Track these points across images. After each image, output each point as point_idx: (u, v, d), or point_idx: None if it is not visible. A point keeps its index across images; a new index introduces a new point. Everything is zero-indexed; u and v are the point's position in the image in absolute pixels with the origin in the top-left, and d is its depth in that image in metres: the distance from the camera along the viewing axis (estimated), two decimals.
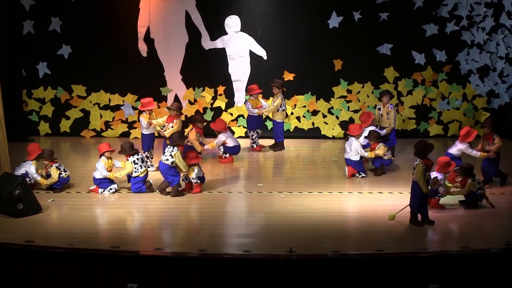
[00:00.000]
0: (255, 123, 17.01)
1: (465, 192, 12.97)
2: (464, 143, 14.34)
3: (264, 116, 17.35)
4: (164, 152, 13.78)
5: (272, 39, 18.21)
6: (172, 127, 15.13)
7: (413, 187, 12.20)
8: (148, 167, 14.31)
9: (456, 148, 14.36)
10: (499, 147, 14.21)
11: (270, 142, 17.29)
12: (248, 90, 17.26)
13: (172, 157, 13.49)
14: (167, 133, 15.00)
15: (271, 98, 17.14)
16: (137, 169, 13.80)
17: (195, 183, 13.87)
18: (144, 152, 15.09)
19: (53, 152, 14.07)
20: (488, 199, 13.07)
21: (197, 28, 18.08)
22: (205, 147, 15.82)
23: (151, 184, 13.97)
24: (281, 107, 16.96)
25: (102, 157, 13.85)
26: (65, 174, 13.99)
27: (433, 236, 11.92)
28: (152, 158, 15.34)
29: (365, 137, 15.29)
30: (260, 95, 17.12)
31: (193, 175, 13.74)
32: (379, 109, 16.20)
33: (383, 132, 15.68)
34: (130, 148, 13.91)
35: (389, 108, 16.10)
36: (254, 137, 17.02)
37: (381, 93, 16.76)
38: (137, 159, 13.86)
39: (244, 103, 17.26)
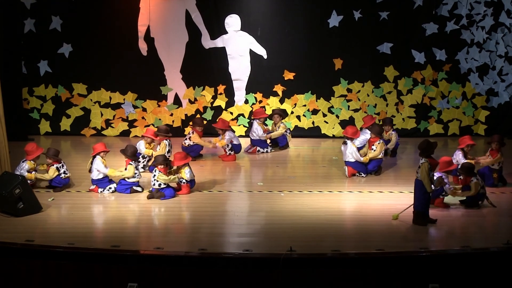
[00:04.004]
0: (265, 144, 17.01)
1: (474, 192, 12.89)
2: (459, 150, 14.31)
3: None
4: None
5: (272, 38, 18.21)
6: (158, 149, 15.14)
7: (417, 186, 12.20)
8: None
9: (456, 160, 14.19)
10: (494, 161, 14.13)
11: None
12: (254, 114, 17.21)
13: (157, 181, 13.50)
14: (155, 154, 14.90)
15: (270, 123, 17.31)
16: (136, 175, 13.86)
17: (183, 183, 13.83)
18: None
19: (58, 152, 14.06)
20: (488, 199, 13.06)
21: (197, 27, 18.09)
22: (216, 144, 16.02)
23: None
24: (286, 132, 17.11)
25: (98, 156, 13.87)
26: (65, 176, 13.98)
27: (433, 236, 11.92)
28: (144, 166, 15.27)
29: (368, 128, 15.34)
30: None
31: (185, 177, 13.70)
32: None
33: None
34: (132, 154, 13.90)
35: (391, 134, 16.17)
36: (262, 151, 16.95)
37: (383, 121, 16.66)
38: (136, 167, 13.92)
39: (251, 126, 16.96)
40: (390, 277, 10.66)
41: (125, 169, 13.86)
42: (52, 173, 13.82)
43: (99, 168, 13.81)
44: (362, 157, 14.86)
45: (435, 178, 12.46)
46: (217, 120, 17.01)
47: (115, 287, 10.62)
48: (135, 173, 13.82)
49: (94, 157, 13.91)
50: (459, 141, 14.51)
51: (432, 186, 12.20)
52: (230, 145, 16.12)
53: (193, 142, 16.04)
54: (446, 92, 18.40)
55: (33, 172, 13.75)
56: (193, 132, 16.10)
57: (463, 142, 14.32)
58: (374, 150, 14.94)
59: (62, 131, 18.33)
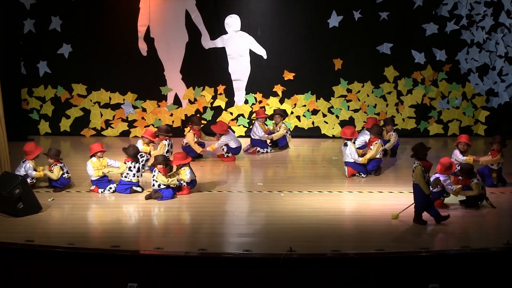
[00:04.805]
0: (265, 144, 16.99)
1: (476, 192, 12.90)
2: (457, 150, 14.33)
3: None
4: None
5: (272, 38, 18.22)
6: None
7: (415, 190, 12.20)
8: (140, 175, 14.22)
9: (454, 159, 14.20)
10: (494, 161, 14.12)
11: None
12: (256, 114, 17.19)
13: (156, 181, 13.48)
14: (153, 153, 14.99)
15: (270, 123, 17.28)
16: (128, 175, 13.80)
17: (183, 185, 13.77)
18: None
19: (59, 151, 14.06)
20: (488, 200, 13.06)
21: (197, 27, 18.09)
22: (207, 148, 15.92)
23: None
24: (287, 132, 17.07)
25: (93, 157, 13.85)
26: (67, 176, 13.98)
27: (433, 236, 11.91)
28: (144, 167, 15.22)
29: (367, 129, 15.37)
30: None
31: (185, 178, 13.63)
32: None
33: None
34: (133, 154, 13.88)
35: (392, 134, 16.17)
36: (262, 152, 16.93)
37: (384, 121, 16.69)
38: (134, 166, 13.86)
39: (253, 126, 16.98)
40: (390, 277, 10.65)
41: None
42: (57, 172, 13.81)
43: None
44: (360, 157, 14.85)
45: (431, 179, 12.48)
46: (216, 121, 17.02)
47: (115, 287, 10.62)
48: (127, 173, 13.77)
49: (91, 157, 13.91)
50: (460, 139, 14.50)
51: (430, 187, 12.21)
52: (225, 148, 16.05)
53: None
54: (446, 92, 18.41)
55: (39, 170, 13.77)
56: (189, 131, 16.07)
57: (459, 139, 14.36)
58: (371, 150, 14.95)
59: (61, 132, 18.34)
